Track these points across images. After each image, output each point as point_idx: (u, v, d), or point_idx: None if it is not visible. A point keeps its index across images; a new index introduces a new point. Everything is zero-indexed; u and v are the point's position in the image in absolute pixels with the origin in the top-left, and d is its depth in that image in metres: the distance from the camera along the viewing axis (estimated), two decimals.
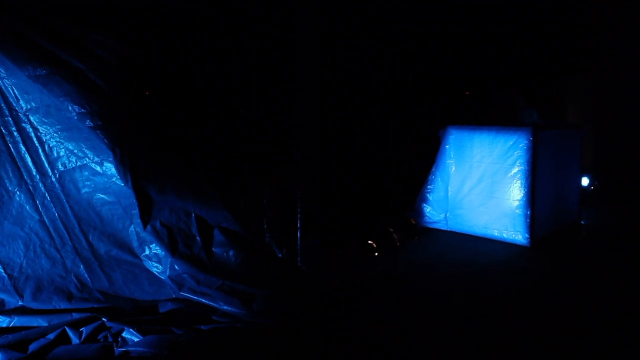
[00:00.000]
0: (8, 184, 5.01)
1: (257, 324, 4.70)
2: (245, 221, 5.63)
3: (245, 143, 5.81)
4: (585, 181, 9.11)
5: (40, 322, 4.60)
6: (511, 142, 7.28)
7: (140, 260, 5.25)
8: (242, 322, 4.73)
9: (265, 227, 5.77)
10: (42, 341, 4.29)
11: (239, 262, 5.42)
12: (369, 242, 6.29)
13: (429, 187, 8.17)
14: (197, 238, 5.42)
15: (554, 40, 10.30)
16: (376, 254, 6.27)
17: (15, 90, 4.92)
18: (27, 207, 5.04)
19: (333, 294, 5.41)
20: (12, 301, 4.81)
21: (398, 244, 6.33)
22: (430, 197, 8.15)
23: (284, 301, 5.05)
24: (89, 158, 5.12)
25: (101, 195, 5.19)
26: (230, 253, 5.45)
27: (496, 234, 7.56)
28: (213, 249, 5.45)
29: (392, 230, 6.35)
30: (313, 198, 6.12)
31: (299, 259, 5.86)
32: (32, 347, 4.23)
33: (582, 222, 8.59)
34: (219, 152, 5.66)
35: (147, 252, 5.26)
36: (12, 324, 4.58)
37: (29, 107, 4.97)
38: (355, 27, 7.82)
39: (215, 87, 5.73)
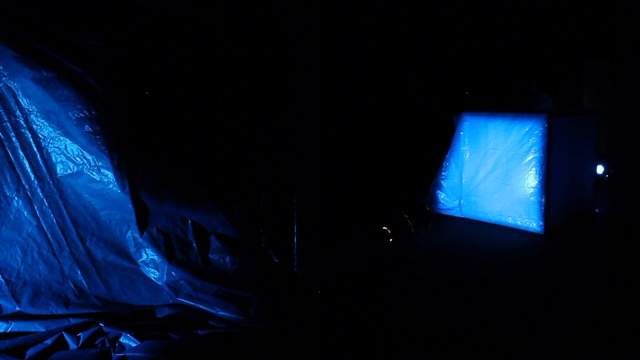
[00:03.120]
0: (6, 190, 5.13)
1: (253, 329, 4.81)
2: (242, 226, 5.75)
3: (242, 147, 5.93)
4: (600, 169, 9.19)
5: (37, 327, 4.70)
6: (526, 129, 7.39)
7: (138, 266, 5.37)
8: (239, 327, 4.84)
9: (261, 231, 5.89)
10: (39, 347, 4.40)
11: (235, 268, 5.53)
12: (384, 228, 6.43)
13: (443, 173, 8.30)
14: (194, 245, 5.54)
15: (569, 27, 10.37)
16: (391, 239, 6.41)
17: (17, 95, 5.05)
18: (25, 212, 5.16)
19: (330, 295, 5.53)
20: (9, 307, 4.91)
21: (412, 230, 6.46)
22: (444, 183, 8.31)
23: (280, 306, 5.16)
24: (87, 164, 5.25)
25: (99, 201, 5.32)
26: (227, 259, 5.57)
27: (510, 221, 7.70)
28: (209, 255, 5.57)
29: (406, 216, 6.47)
30: (313, 199, 6.22)
31: (295, 263, 5.98)
32: (30, 352, 4.33)
33: (597, 210, 8.65)
34: (215, 157, 5.78)
35: (144, 257, 5.38)
36: (9, 329, 4.67)
37: (28, 111, 5.10)
38: (356, 17, 7.93)
39: (212, 92, 5.85)
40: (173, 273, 5.34)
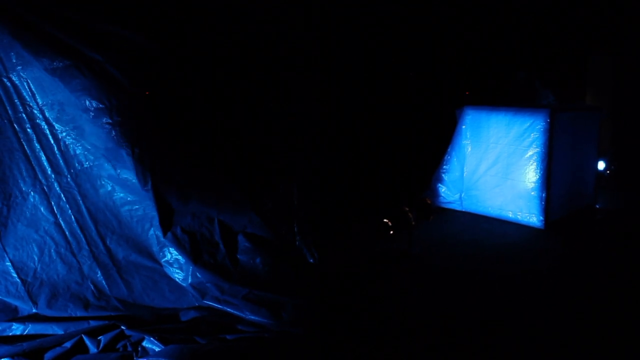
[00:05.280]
0: (22, 184, 5.03)
1: (286, 334, 4.64)
2: (274, 224, 5.59)
3: (272, 138, 5.79)
4: (601, 165, 9.36)
5: (55, 330, 4.59)
6: (528, 124, 7.58)
7: (161, 265, 5.23)
8: (270, 331, 4.67)
9: (295, 229, 5.71)
10: (58, 350, 4.29)
11: (267, 270, 5.37)
12: (385, 220, 6.54)
13: (444, 167, 8.58)
14: (221, 245, 5.39)
15: (573, 22, 10.44)
16: (391, 232, 6.55)
17: (31, 85, 4.95)
18: (42, 208, 5.05)
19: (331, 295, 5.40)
20: (26, 308, 4.81)
21: (413, 223, 6.59)
22: (445, 177, 8.58)
23: (316, 310, 4.97)
24: (107, 157, 5.11)
25: (120, 196, 5.19)
26: (257, 260, 5.40)
27: (511, 216, 7.93)
28: (238, 256, 5.41)
29: (407, 209, 6.58)
30: (314, 194, 6.21)
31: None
32: (48, 356, 4.23)
33: (597, 206, 8.86)
34: (243, 150, 5.64)
35: (167, 257, 5.24)
36: (26, 331, 4.57)
37: (44, 102, 4.99)
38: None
39: (239, 82, 5.72)
40: (199, 275, 5.19)
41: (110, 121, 5.04)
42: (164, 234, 5.22)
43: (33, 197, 5.04)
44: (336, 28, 7.54)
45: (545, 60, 10.33)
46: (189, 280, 5.18)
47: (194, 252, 5.27)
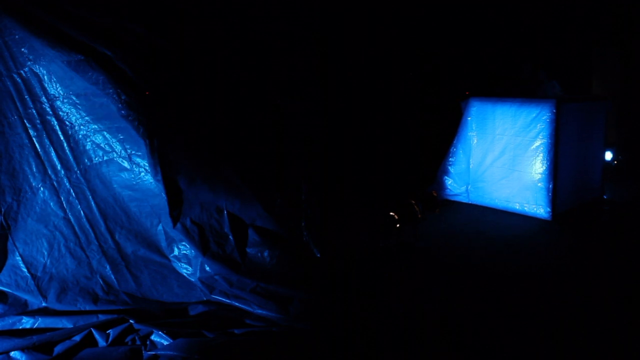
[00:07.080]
0: (32, 179, 5.11)
1: (293, 329, 4.70)
2: (282, 219, 5.65)
3: (281, 134, 5.84)
4: (608, 155, 9.39)
5: (65, 323, 4.67)
6: (534, 115, 7.60)
7: (169, 260, 5.30)
8: (278, 326, 4.74)
9: (303, 225, 5.77)
10: (67, 343, 4.37)
11: (274, 263, 5.43)
12: (391, 214, 6.56)
13: (450, 159, 8.59)
14: (230, 237, 5.44)
15: (579, 13, 10.51)
16: (398, 225, 6.56)
17: (42, 80, 5.03)
18: (52, 203, 5.14)
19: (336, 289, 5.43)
20: (36, 302, 4.89)
21: (420, 216, 6.61)
22: (451, 169, 8.60)
23: (322, 305, 5.03)
24: (117, 152, 5.20)
25: (129, 192, 5.27)
26: (265, 253, 5.47)
27: (518, 208, 7.95)
28: (247, 249, 5.48)
29: (414, 202, 6.61)
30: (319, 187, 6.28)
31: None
32: (58, 349, 4.31)
33: (605, 197, 8.87)
34: (252, 144, 5.69)
35: (176, 252, 5.31)
36: (36, 325, 4.66)
37: (54, 97, 5.07)
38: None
39: (249, 77, 5.77)
40: (207, 268, 5.25)
41: (124, 113, 5.10)
42: (174, 225, 5.29)
43: (43, 192, 5.13)
44: (336, 28, 7.60)
45: (551, 51, 10.34)
46: (198, 275, 5.25)
47: (203, 243, 5.33)
